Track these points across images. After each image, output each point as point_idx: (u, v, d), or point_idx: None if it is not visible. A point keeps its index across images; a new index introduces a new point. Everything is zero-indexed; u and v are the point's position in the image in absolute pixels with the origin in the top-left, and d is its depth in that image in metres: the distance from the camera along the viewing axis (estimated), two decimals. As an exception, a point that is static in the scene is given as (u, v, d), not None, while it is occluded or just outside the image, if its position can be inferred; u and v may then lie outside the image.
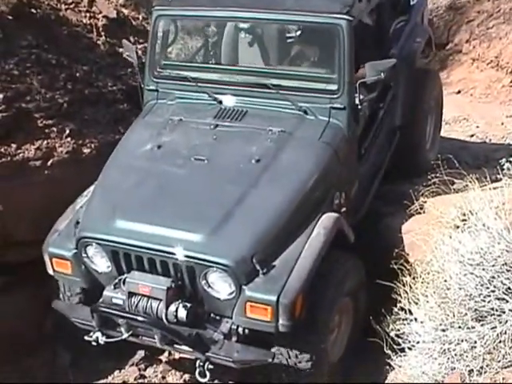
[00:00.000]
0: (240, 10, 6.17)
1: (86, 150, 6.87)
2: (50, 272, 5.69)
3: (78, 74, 7.44)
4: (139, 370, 6.33)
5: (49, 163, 6.65)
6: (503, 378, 4.13)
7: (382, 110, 6.98)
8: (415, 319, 4.79)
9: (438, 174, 5.87)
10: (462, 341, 4.42)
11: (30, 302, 6.43)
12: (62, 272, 5.62)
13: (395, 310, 4.95)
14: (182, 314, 5.12)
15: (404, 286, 4.96)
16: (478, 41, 12.62)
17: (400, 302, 4.92)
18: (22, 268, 6.29)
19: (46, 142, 6.73)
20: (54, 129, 6.87)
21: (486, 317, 4.41)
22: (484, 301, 4.41)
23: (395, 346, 4.82)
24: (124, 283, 5.29)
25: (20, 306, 6.40)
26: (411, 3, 8.14)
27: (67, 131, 6.91)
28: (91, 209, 5.64)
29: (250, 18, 6.36)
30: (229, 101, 6.13)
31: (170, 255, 5.10)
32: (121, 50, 6.59)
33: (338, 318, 5.66)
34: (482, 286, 4.46)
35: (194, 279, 5.14)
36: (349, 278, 5.60)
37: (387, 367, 5.01)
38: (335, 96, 5.85)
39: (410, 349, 4.77)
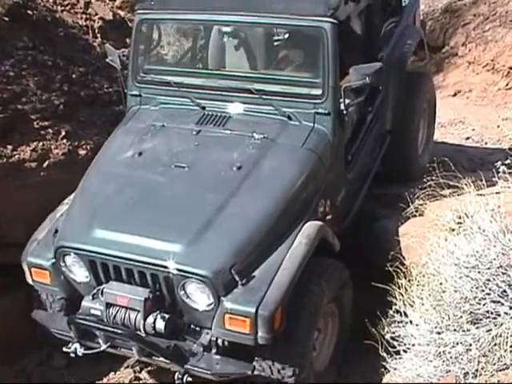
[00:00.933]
0: (223, 14, 6.07)
1: (82, 152, 6.88)
2: (30, 282, 5.59)
3: (73, 76, 7.45)
4: (134, 372, 6.33)
5: (44, 165, 6.66)
6: (498, 381, 4.12)
7: (371, 114, 6.83)
8: (410, 322, 4.79)
9: (433, 177, 5.85)
10: (458, 343, 4.42)
11: (25, 304, 6.41)
12: (41, 282, 5.51)
13: (390, 312, 4.94)
14: (160, 325, 5.03)
15: (399, 288, 4.95)
16: (474, 44, 12.62)
17: (395, 304, 4.92)
18: (17, 270, 6.26)
19: (41, 143, 6.73)
20: (50, 130, 6.88)
21: (481, 319, 4.42)
22: (479, 303, 4.42)
23: (390, 349, 4.82)
24: (102, 294, 5.17)
25: (14, 307, 6.38)
26: (403, 4, 7.99)
27: (63, 133, 6.92)
28: (70, 217, 5.54)
29: (233, 22, 6.22)
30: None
31: (147, 265, 4.99)
32: (117, 51, 6.56)
33: (323, 325, 5.60)
34: (477, 288, 4.46)
35: (172, 290, 5.03)
36: (331, 284, 5.47)
37: (382, 370, 5.00)
38: (319, 101, 5.73)
39: (405, 351, 4.77)
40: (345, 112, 5.78)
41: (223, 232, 5.09)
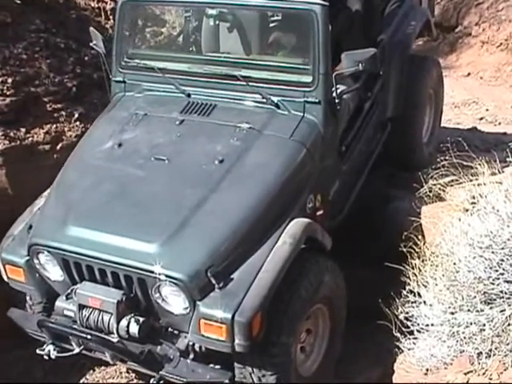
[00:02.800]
0: None
1: (95, 134, 6.89)
2: (5, 279, 5.37)
3: (86, 58, 7.47)
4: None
5: (58, 147, 6.69)
6: (512, 361, 4.14)
7: (370, 101, 6.50)
8: (424, 302, 4.79)
9: (447, 157, 5.82)
10: (471, 323, 4.42)
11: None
12: (15, 280, 5.28)
13: (404, 292, 4.94)
14: (134, 329, 4.75)
15: (413, 268, 4.95)
16: (488, 23, 12.60)
17: (409, 284, 4.92)
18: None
19: (54, 126, 6.76)
20: (63, 113, 6.91)
21: (494, 300, 4.41)
22: (493, 284, 4.40)
23: (404, 329, 4.82)
24: (76, 294, 4.92)
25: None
26: None
27: (76, 115, 6.94)
28: (44, 212, 5.30)
29: (218, 4, 5.94)
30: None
31: (121, 266, 4.74)
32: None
33: (313, 325, 5.32)
34: (491, 268, 4.45)
35: (146, 292, 4.76)
36: (319, 283, 5.12)
37: (396, 350, 5.00)
38: (309, 89, 5.38)
39: (419, 331, 4.77)
40: (337, 100, 5.46)
41: (200, 231, 4.81)
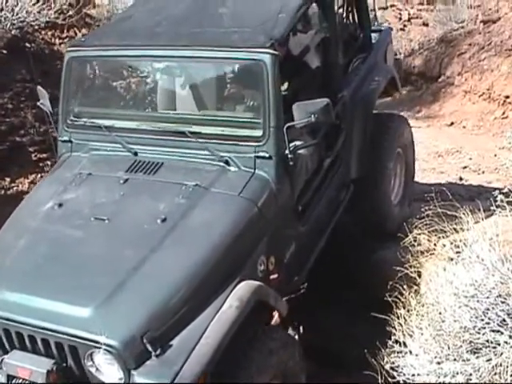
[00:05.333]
0: (156, 49, 5.53)
1: (80, 184, 6.89)
2: None
3: (71, 108, 7.47)
4: None
5: (43, 197, 6.66)
6: (499, 412, 4.12)
7: (331, 160, 6.11)
8: (410, 352, 4.77)
9: (431, 207, 5.84)
10: (458, 373, 4.40)
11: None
12: None
13: (390, 342, 4.92)
14: None
15: (398, 318, 4.93)
16: (470, 73, 12.75)
17: (395, 334, 4.90)
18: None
19: (39, 175, 6.76)
20: (48, 162, 6.92)
21: (481, 349, 4.40)
22: (479, 333, 4.40)
23: (390, 379, 4.79)
24: (4, 364, 4.50)
25: None
26: (372, 40, 7.34)
27: (61, 165, 6.93)
28: None
29: (164, 57, 5.67)
30: None
31: (51, 332, 4.36)
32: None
33: None
34: (476, 318, 4.45)
35: (79, 360, 4.37)
36: (273, 360, 4.73)
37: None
38: (260, 143, 5.10)
39: (405, 382, 4.74)
40: (291, 156, 5.13)
41: (137, 294, 4.48)
